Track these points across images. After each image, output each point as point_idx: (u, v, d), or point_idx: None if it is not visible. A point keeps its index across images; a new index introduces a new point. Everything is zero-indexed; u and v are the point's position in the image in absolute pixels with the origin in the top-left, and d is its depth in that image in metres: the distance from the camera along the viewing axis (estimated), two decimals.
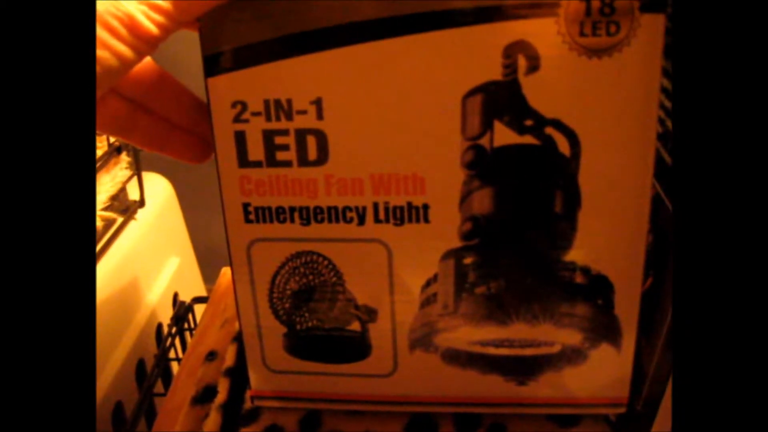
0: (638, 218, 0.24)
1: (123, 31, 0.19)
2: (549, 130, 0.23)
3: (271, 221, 0.25)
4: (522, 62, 0.22)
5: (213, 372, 0.34)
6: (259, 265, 0.26)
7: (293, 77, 0.23)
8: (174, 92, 0.25)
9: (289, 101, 0.23)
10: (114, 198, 0.45)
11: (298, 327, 0.27)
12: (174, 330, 0.41)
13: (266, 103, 0.23)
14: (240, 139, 0.24)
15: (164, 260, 0.51)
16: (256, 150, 0.24)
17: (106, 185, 0.44)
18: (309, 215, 0.25)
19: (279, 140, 0.24)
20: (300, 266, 0.25)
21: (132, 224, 0.48)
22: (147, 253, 0.48)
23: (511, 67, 0.22)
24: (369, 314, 0.26)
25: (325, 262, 0.25)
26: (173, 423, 0.32)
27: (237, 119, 0.24)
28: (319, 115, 0.23)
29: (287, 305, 0.26)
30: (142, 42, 0.20)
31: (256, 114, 0.23)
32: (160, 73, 0.24)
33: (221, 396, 0.31)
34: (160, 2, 0.20)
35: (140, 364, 0.41)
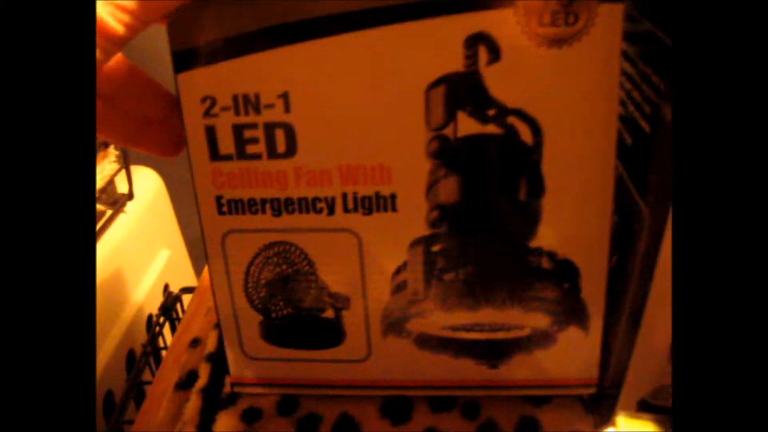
0: (602, 204, 0.24)
1: None
2: (511, 120, 0.23)
3: (244, 213, 0.25)
4: (483, 53, 0.22)
5: (196, 358, 0.34)
6: (233, 255, 0.26)
7: (260, 72, 0.23)
8: (144, 87, 0.25)
9: (256, 95, 0.24)
10: (102, 191, 0.46)
11: (274, 315, 0.27)
12: (162, 319, 0.41)
13: (235, 97, 0.24)
14: (210, 133, 0.24)
15: (155, 252, 0.52)
16: (226, 144, 0.24)
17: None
18: (280, 206, 0.25)
19: (248, 134, 0.24)
20: (273, 256, 0.26)
21: (122, 217, 0.48)
22: (137, 246, 0.49)
23: (472, 59, 0.22)
24: (342, 301, 0.26)
25: (298, 252, 0.26)
26: (158, 409, 0.33)
27: (207, 114, 0.24)
28: (287, 109, 0.24)
29: (262, 294, 0.27)
30: (109, 42, 0.20)
31: (225, 108, 0.24)
32: (129, 68, 0.24)
33: (202, 380, 0.32)
34: (125, 2, 0.20)
35: (130, 354, 0.42)
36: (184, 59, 0.23)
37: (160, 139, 0.25)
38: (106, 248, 0.45)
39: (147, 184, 0.54)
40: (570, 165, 0.24)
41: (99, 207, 0.45)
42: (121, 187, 0.50)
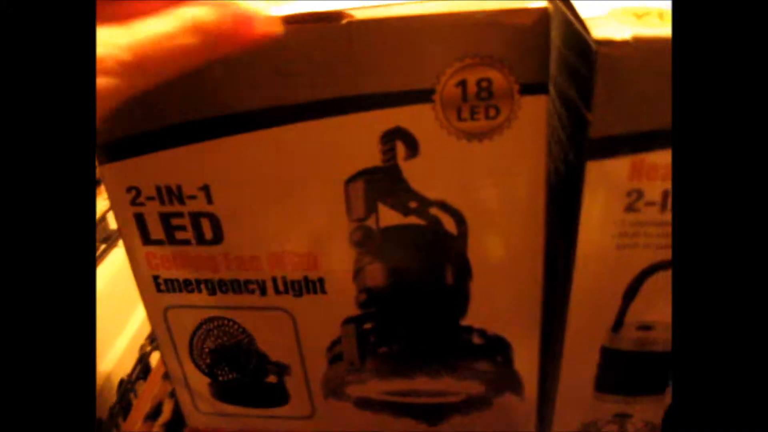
0: (531, 281, 0.24)
1: None
2: (434, 211, 0.23)
3: (181, 291, 0.26)
4: (401, 148, 0.22)
5: (164, 391, 0.36)
6: (176, 327, 0.27)
7: (180, 165, 0.23)
8: None
9: (179, 187, 0.23)
10: None
11: (221, 378, 0.28)
12: (148, 349, 0.43)
13: (158, 188, 0.24)
14: (140, 220, 0.25)
15: None
16: (156, 230, 0.25)
17: None
18: (214, 287, 0.26)
19: (175, 221, 0.24)
20: (213, 329, 0.27)
21: (115, 251, 0.49)
22: (129, 280, 0.50)
23: (389, 153, 0.22)
24: (282, 369, 0.27)
25: (236, 326, 0.26)
26: None
27: (134, 203, 0.24)
28: (209, 200, 0.24)
29: (208, 360, 0.28)
30: None
31: (150, 198, 0.24)
32: None
33: (165, 415, 0.34)
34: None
35: (120, 384, 0.44)
36: (108, 151, 0.23)
37: None
38: (100, 283, 0.46)
39: None
40: (496, 251, 0.24)
41: None
42: (113, 222, 0.51)
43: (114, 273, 0.49)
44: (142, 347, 0.46)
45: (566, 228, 0.23)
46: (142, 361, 0.45)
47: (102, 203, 0.49)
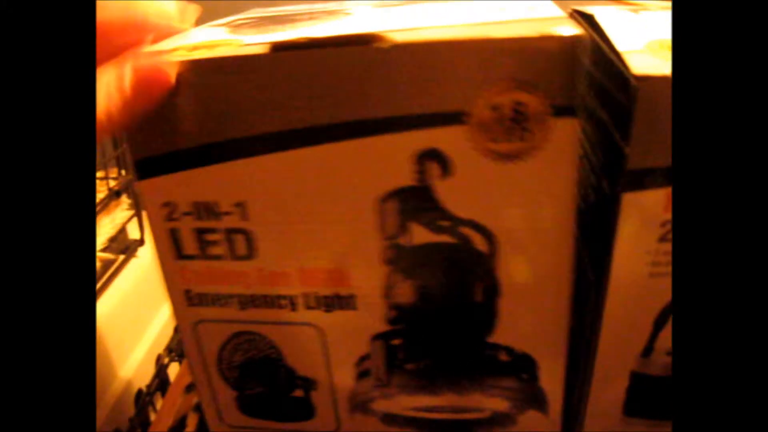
0: (559, 301, 0.25)
1: None
2: (465, 230, 0.23)
3: (212, 305, 0.26)
4: (434, 168, 0.22)
5: (187, 405, 0.36)
6: (206, 341, 0.27)
7: (217, 182, 0.24)
8: None
9: (215, 203, 0.24)
10: (113, 239, 0.47)
11: (248, 392, 0.29)
12: (166, 360, 0.44)
13: (195, 204, 0.24)
14: (174, 235, 0.25)
15: (165, 294, 0.53)
16: (189, 245, 0.25)
17: (105, 227, 0.47)
18: (245, 301, 0.26)
19: (209, 237, 0.25)
20: (243, 343, 0.27)
21: (134, 262, 0.50)
22: (149, 288, 0.50)
23: (423, 173, 0.22)
24: (309, 384, 0.28)
25: (265, 341, 0.27)
26: None
27: (169, 218, 0.25)
28: (244, 217, 0.24)
29: (236, 374, 0.28)
30: None
31: (186, 213, 0.24)
32: None
33: (189, 429, 0.34)
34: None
35: (138, 395, 0.44)
36: (145, 167, 0.24)
37: None
38: (119, 292, 0.47)
39: None
40: (526, 268, 0.24)
41: (108, 255, 0.47)
42: (133, 233, 0.52)
43: (132, 284, 0.50)
44: (160, 358, 0.46)
45: (596, 253, 0.24)
46: (160, 372, 0.45)
47: (121, 214, 0.50)
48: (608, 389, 0.25)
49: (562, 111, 0.21)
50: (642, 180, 0.21)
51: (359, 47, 0.21)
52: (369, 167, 0.23)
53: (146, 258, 0.52)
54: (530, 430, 0.28)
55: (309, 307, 0.26)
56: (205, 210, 0.24)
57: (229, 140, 0.23)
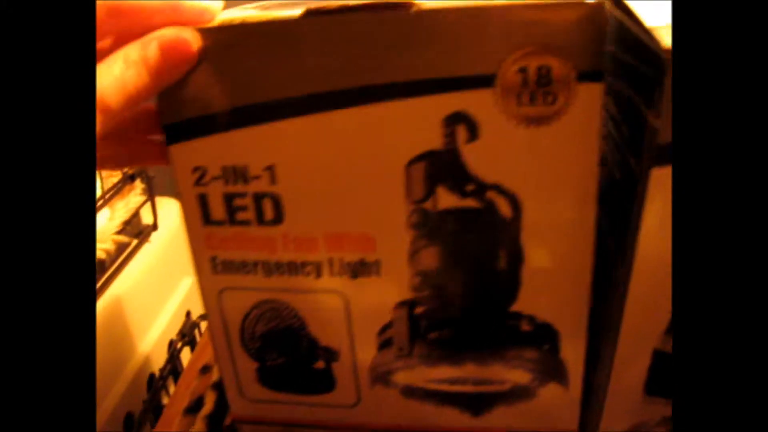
0: (581, 270, 0.25)
1: None
2: (490, 194, 0.24)
3: (237, 272, 0.27)
4: (461, 132, 0.23)
5: (204, 385, 0.36)
6: (229, 310, 0.28)
7: (247, 146, 0.24)
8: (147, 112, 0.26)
9: (244, 167, 0.24)
10: (127, 223, 0.48)
11: (269, 363, 0.29)
12: (179, 345, 0.44)
13: (224, 168, 0.25)
14: (203, 200, 0.25)
15: (178, 280, 0.54)
16: (217, 210, 0.25)
17: (119, 211, 0.47)
18: (270, 268, 0.26)
19: (238, 202, 0.25)
20: (266, 312, 0.27)
21: (147, 246, 0.50)
22: (161, 274, 0.51)
23: (450, 137, 0.23)
24: (332, 354, 0.28)
25: (288, 309, 0.27)
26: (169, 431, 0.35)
27: (198, 183, 0.25)
28: (273, 180, 0.24)
29: (257, 345, 0.28)
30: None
31: (216, 178, 0.25)
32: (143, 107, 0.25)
33: (207, 407, 0.34)
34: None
35: (151, 378, 0.44)
36: (175, 132, 0.24)
37: (156, 152, 0.26)
38: (130, 277, 0.47)
39: (170, 215, 0.56)
40: (549, 236, 0.24)
41: (123, 238, 0.47)
42: (146, 218, 0.52)
43: (146, 268, 0.50)
44: (172, 343, 0.46)
45: (619, 227, 0.24)
46: (173, 357, 0.45)
47: (135, 198, 0.51)
48: (631, 367, 0.25)
49: (585, 76, 0.22)
50: (671, 154, 0.21)
51: (391, 12, 0.22)
52: (397, 130, 0.23)
53: (159, 243, 0.52)
54: (550, 403, 0.28)
55: (334, 274, 0.26)
56: (235, 174, 0.25)
57: (260, 103, 0.23)
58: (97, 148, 0.26)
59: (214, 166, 0.25)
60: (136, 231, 0.50)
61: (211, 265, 0.27)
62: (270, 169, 0.24)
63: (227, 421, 0.33)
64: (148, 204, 0.51)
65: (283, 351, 0.28)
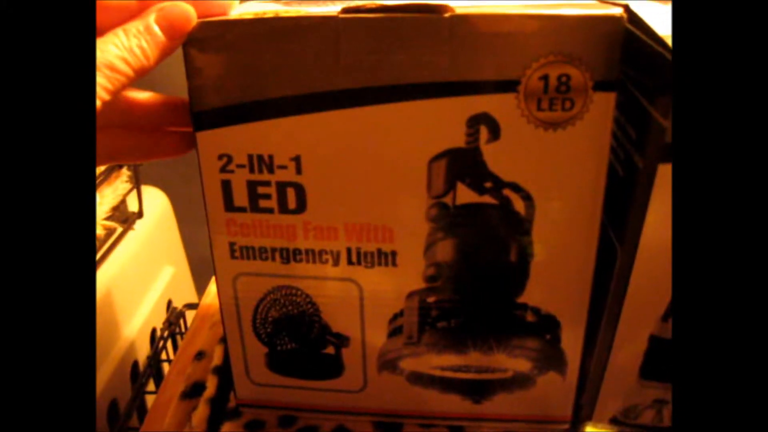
0: (585, 266, 0.27)
1: None
2: (507, 192, 0.25)
3: (255, 258, 0.27)
4: (483, 132, 0.24)
5: (201, 370, 0.37)
6: (243, 295, 0.28)
7: (275, 136, 0.25)
8: (156, 104, 0.27)
9: (270, 157, 0.25)
10: (115, 209, 0.48)
11: (279, 348, 0.30)
12: (166, 333, 0.44)
13: (250, 157, 0.25)
14: (226, 187, 0.26)
15: (159, 269, 0.54)
16: (240, 197, 0.26)
17: (108, 197, 0.47)
18: (288, 255, 0.27)
19: (261, 190, 0.26)
20: (280, 298, 0.28)
21: (130, 234, 0.50)
22: (144, 262, 0.51)
23: (473, 136, 0.24)
24: (342, 341, 0.29)
25: (303, 296, 0.28)
26: (163, 416, 0.35)
27: (223, 170, 0.26)
28: (298, 171, 0.25)
29: (269, 330, 0.29)
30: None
31: (240, 166, 0.26)
32: (141, 96, 0.26)
33: (209, 391, 0.34)
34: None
35: (135, 365, 0.44)
36: (203, 119, 0.25)
37: (174, 144, 0.27)
38: (115, 264, 0.47)
39: (155, 204, 0.56)
40: (558, 234, 0.26)
41: (111, 224, 0.47)
42: (132, 205, 0.52)
43: (130, 256, 0.50)
44: (161, 331, 0.46)
45: (622, 222, 0.26)
46: (160, 345, 0.45)
47: (122, 185, 0.50)
48: (627, 351, 0.27)
49: (601, 85, 0.23)
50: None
51: (425, 15, 0.23)
52: (423, 128, 0.24)
53: (143, 231, 0.52)
54: (548, 391, 0.29)
55: (351, 263, 0.27)
56: (260, 163, 0.25)
57: (290, 96, 0.24)
58: (119, 138, 0.27)
59: (240, 155, 0.25)
60: (123, 218, 0.50)
61: (230, 251, 0.27)
62: (296, 159, 0.25)
63: (231, 404, 0.33)
64: (134, 192, 0.51)
65: (294, 336, 0.29)
